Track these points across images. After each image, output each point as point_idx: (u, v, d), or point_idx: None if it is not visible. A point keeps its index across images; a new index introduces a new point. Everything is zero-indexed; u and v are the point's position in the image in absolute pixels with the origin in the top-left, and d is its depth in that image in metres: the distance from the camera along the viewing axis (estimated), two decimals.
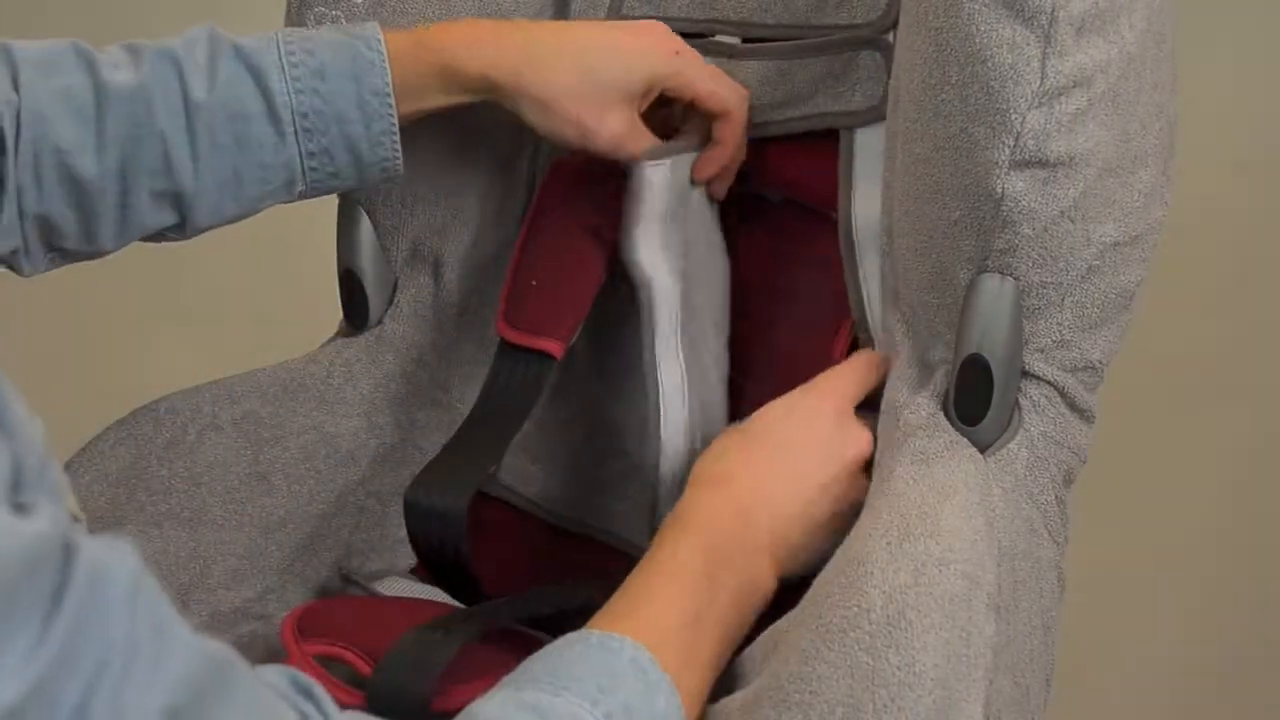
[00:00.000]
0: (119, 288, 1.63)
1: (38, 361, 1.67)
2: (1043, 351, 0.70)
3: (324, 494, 0.89)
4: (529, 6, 0.91)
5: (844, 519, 0.72)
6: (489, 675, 0.61)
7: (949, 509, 0.65)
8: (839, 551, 0.66)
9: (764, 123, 0.86)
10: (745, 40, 0.88)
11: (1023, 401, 0.71)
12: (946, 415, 0.71)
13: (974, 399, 0.70)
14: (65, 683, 0.36)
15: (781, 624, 0.67)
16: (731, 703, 0.63)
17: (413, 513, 0.80)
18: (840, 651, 0.60)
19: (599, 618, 0.63)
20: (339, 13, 0.84)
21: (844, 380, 0.76)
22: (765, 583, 0.70)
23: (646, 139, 0.82)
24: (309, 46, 0.77)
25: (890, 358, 0.76)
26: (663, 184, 0.81)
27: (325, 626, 0.74)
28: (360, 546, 0.92)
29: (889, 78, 0.80)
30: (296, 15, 0.85)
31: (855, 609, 0.61)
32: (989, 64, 0.64)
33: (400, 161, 0.79)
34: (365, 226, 0.91)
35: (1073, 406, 0.72)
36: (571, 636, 0.61)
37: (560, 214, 0.86)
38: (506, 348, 0.85)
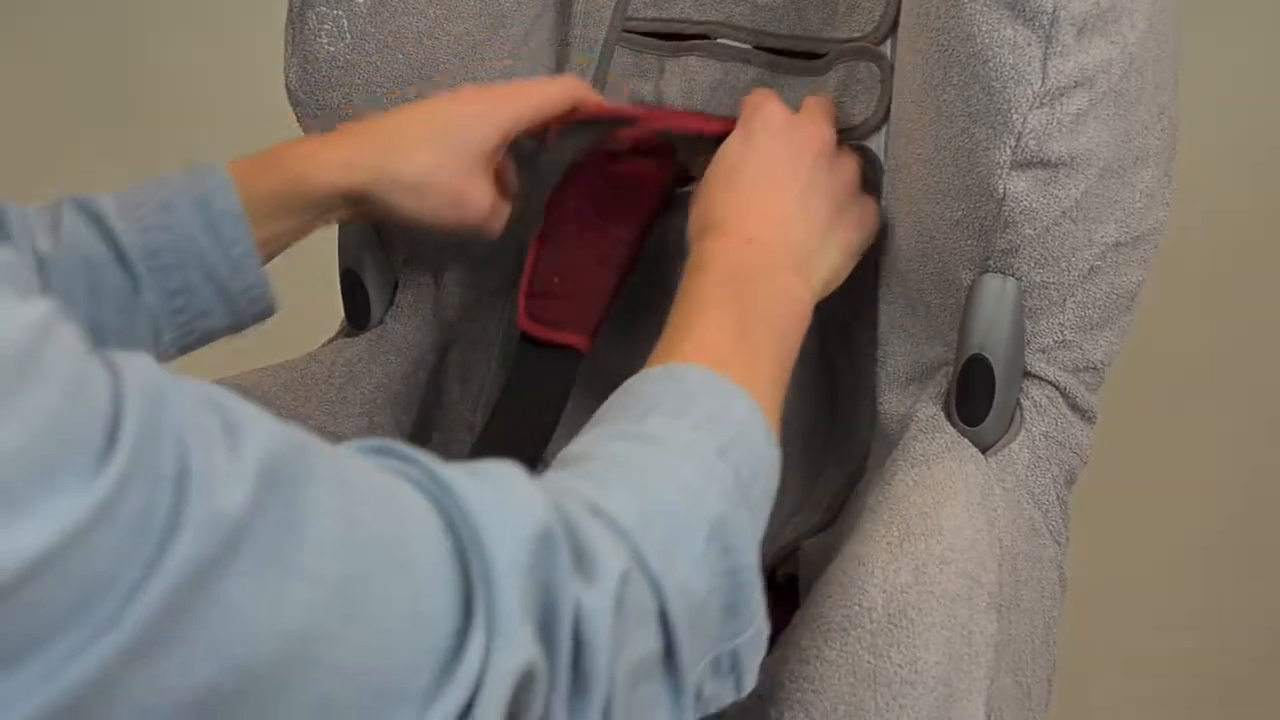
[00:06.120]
0: None
1: None
2: (1044, 352, 0.70)
3: None
4: (529, 6, 0.91)
5: (844, 210, 0.74)
6: None
7: (949, 509, 0.65)
8: (840, 551, 0.66)
9: None
10: (757, 48, 0.88)
11: (1024, 402, 0.71)
12: (948, 416, 0.71)
13: (975, 399, 0.70)
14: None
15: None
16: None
17: None
18: (841, 650, 0.60)
19: (650, 361, 0.62)
20: (340, 12, 0.84)
21: (773, 99, 0.77)
22: (798, 293, 0.69)
23: (502, 205, 0.82)
24: (150, 186, 0.73)
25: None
26: None
27: None
28: None
29: (882, 88, 0.80)
30: (299, 16, 0.85)
31: (856, 608, 0.61)
32: (990, 64, 0.64)
33: (269, 290, 0.75)
34: (366, 227, 0.91)
35: (1074, 407, 0.72)
36: (630, 380, 0.60)
37: (579, 212, 0.86)
38: (529, 343, 0.85)
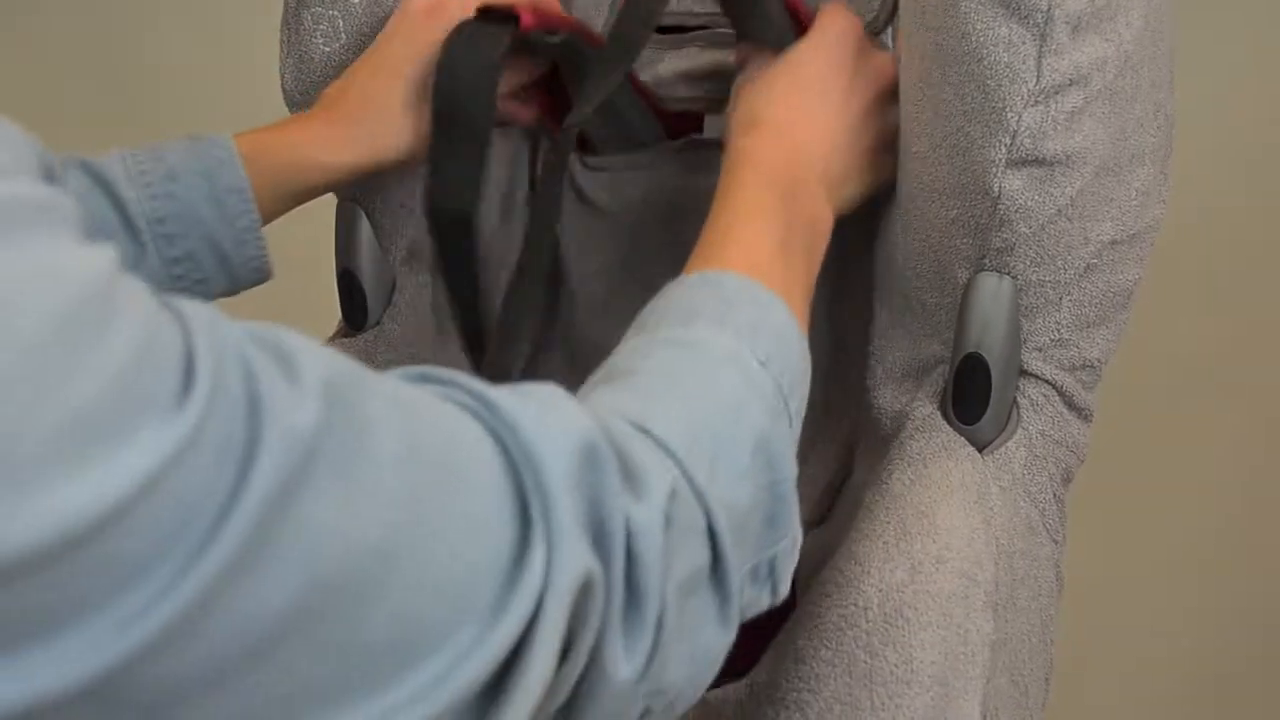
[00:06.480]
0: None
1: None
2: (1041, 350, 0.70)
3: None
4: None
5: (881, 152, 0.73)
6: None
7: (946, 508, 0.65)
8: (835, 550, 0.66)
9: None
10: None
11: (1021, 400, 0.71)
12: (944, 414, 0.71)
13: (972, 398, 0.70)
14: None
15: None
16: (726, 695, 0.63)
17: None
18: (837, 650, 0.60)
19: (689, 266, 0.62)
20: (336, 12, 0.84)
21: (851, 18, 0.75)
22: (825, 217, 0.69)
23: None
24: (156, 154, 0.75)
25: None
26: None
27: None
28: None
29: None
30: (294, 16, 0.85)
31: (852, 607, 0.61)
32: (985, 63, 0.64)
33: (268, 260, 0.77)
34: (364, 227, 0.91)
35: (1071, 405, 0.72)
36: (670, 285, 0.60)
37: None
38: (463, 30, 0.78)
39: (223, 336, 0.37)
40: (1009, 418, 0.71)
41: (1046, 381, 0.71)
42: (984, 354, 0.69)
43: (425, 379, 0.47)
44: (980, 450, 0.70)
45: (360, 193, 0.89)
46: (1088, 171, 0.66)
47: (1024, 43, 0.63)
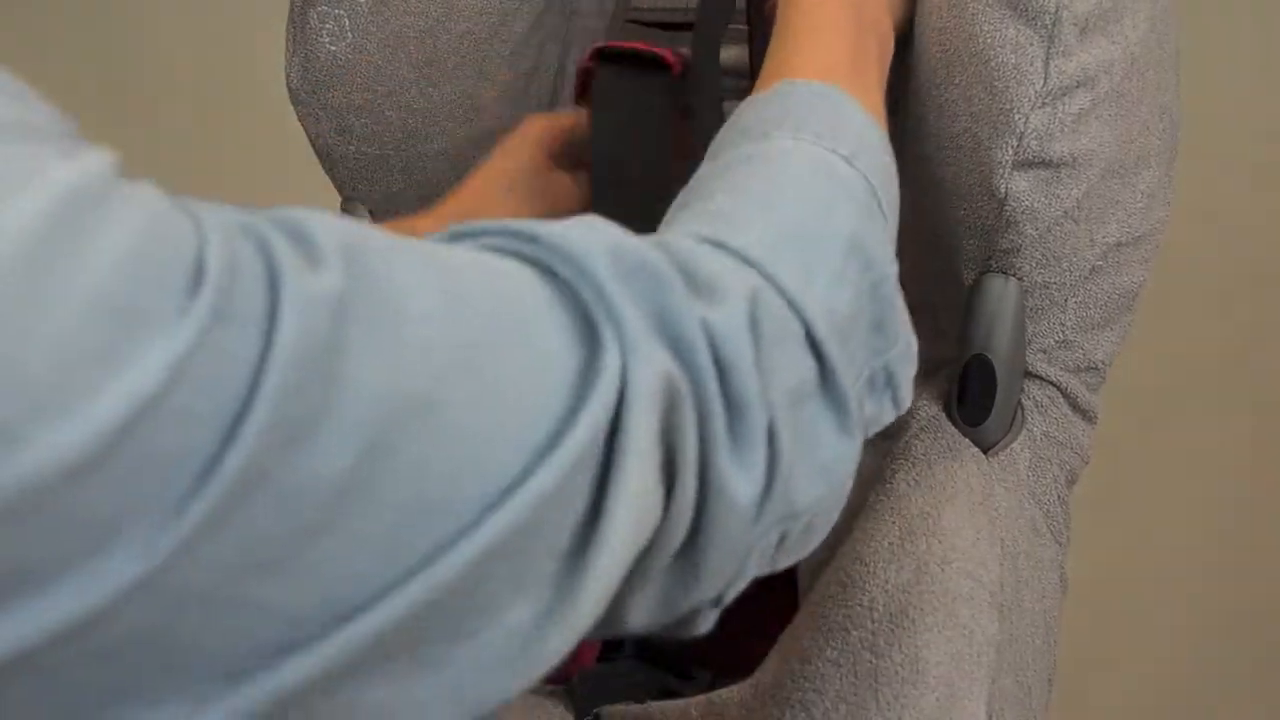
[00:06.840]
0: None
1: None
2: (1045, 352, 0.70)
3: None
4: (532, 2, 0.91)
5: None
6: None
7: (951, 510, 0.65)
8: (839, 550, 0.66)
9: None
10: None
11: (1025, 402, 0.71)
12: (949, 416, 0.71)
13: (977, 400, 0.70)
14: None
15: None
16: (730, 695, 0.63)
17: None
18: (842, 650, 0.60)
19: (759, 83, 0.59)
20: (342, 11, 0.84)
21: None
22: (889, 35, 0.66)
23: None
24: None
25: None
26: None
27: None
28: None
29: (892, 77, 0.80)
30: (300, 15, 0.85)
31: (857, 607, 0.61)
32: (992, 64, 0.64)
33: None
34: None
35: (1075, 407, 0.72)
36: (741, 106, 0.58)
37: None
38: (602, 71, 0.72)
39: (234, 219, 0.37)
40: (1014, 419, 0.71)
41: (1051, 383, 0.71)
42: (989, 355, 0.69)
43: (458, 237, 0.46)
44: (985, 451, 0.70)
45: (363, 191, 0.89)
46: (1094, 174, 0.66)
47: (1031, 44, 0.63)
